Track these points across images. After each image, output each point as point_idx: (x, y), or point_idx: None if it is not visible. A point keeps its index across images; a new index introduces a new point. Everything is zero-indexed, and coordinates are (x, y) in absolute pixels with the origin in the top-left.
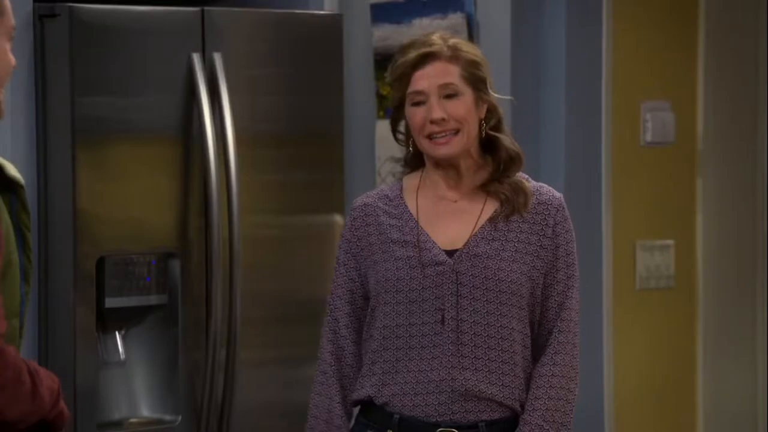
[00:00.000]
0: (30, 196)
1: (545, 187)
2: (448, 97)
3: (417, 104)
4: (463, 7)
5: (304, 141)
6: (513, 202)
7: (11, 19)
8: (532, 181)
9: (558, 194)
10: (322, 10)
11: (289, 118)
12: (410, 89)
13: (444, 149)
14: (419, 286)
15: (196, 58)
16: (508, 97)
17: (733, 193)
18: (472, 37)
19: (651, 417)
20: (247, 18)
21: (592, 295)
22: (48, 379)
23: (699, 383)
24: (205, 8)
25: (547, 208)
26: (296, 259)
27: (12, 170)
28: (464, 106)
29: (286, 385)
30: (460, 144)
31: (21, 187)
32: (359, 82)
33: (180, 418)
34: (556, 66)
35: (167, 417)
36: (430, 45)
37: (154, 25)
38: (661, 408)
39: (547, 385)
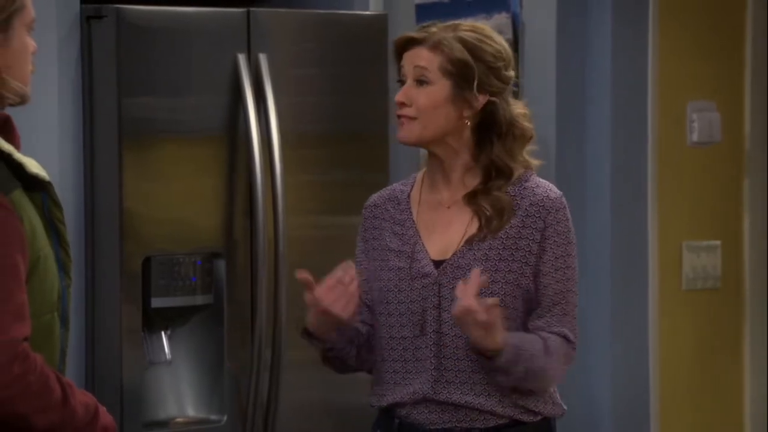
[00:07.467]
0: (76, 196)
1: (541, 187)
2: (420, 83)
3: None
4: (509, 7)
5: (349, 141)
6: (492, 223)
7: (31, 13)
8: (532, 179)
9: (555, 194)
10: (366, 10)
11: (333, 118)
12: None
13: (401, 134)
14: (406, 299)
15: (242, 59)
16: (487, 99)
17: None
18: (516, 37)
19: (697, 418)
20: (292, 19)
21: (638, 296)
22: (84, 396)
23: (746, 384)
24: (251, 9)
25: (539, 210)
26: (340, 259)
27: (34, 168)
28: (429, 96)
29: (331, 386)
30: (416, 132)
31: (49, 183)
32: None
33: (225, 417)
34: (602, 66)
35: (213, 417)
36: (421, 32)
37: (200, 26)
38: (708, 409)
39: (533, 338)
